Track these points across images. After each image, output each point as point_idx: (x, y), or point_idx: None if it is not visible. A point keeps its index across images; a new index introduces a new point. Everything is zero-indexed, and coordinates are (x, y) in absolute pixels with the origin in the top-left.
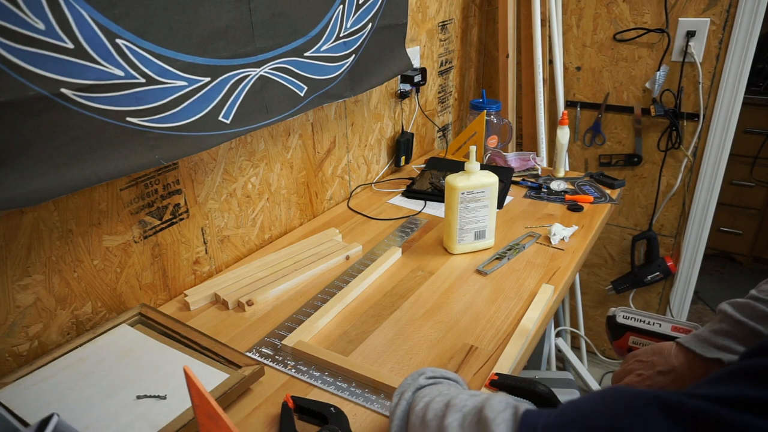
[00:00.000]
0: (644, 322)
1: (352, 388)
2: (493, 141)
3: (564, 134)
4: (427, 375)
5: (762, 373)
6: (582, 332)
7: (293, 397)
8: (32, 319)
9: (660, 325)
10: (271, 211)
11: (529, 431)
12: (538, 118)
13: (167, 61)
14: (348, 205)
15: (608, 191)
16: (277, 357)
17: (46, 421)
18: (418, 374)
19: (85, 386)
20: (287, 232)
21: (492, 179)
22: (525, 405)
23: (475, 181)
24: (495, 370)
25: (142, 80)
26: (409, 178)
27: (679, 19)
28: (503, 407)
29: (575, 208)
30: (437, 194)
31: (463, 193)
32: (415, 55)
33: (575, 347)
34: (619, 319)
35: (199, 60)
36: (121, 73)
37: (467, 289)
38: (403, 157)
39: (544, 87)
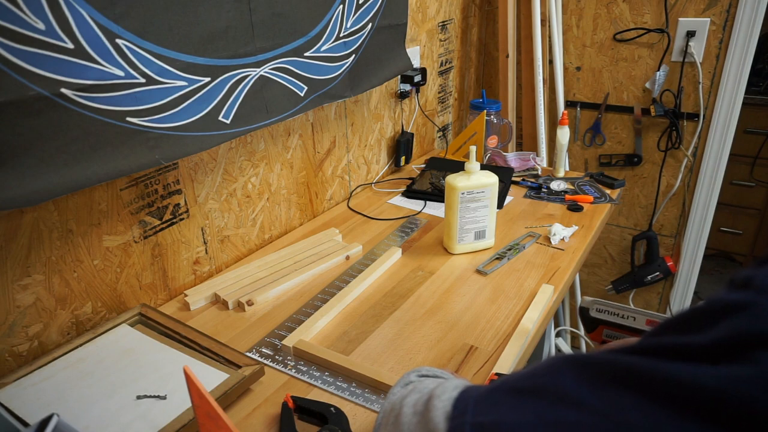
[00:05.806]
0: (617, 315)
1: (352, 388)
2: (493, 141)
3: (564, 134)
4: (420, 373)
5: (659, 328)
6: (582, 332)
7: (293, 397)
8: (32, 319)
9: (634, 319)
10: (271, 211)
11: (462, 405)
12: (538, 118)
13: (167, 61)
14: (348, 205)
15: (608, 191)
16: (277, 357)
17: (46, 421)
18: (410, 372)
19: (85, 386)
20: (287, 232)
21: (492, 179)
22: (481, 387)
23: (475, 181)
24: (495, 371)
25: (142, 80)
26: (409, 178)
27: (679, 19)
28: (453, 387)
29: (575, 208)
30: (437, 194)
31: (463, 193)
32: (415, 55)
33: (575, 347)
34: (593, 313)
35: (199, 60)
36: (121, 73)
37: (467, 289)
38: (403, 157)
39: (544, 87)
